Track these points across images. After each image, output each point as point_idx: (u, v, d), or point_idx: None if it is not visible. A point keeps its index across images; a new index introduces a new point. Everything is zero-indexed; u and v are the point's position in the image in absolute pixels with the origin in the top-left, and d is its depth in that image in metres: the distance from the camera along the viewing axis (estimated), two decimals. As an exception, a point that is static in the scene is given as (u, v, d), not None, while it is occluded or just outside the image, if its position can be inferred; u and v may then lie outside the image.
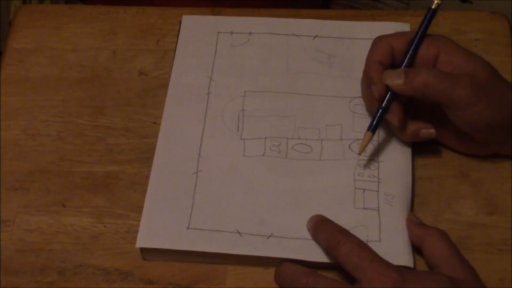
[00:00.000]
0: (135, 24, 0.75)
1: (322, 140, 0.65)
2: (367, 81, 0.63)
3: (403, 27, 0.71)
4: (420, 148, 0.64)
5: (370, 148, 0.64)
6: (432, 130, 0.62)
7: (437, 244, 0.56)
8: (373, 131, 0.62)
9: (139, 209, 0.62)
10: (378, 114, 0.62)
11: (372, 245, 0.56)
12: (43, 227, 0.62)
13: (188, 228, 0.60)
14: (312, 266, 0.57)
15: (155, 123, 0.68)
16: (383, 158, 0.63)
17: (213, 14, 0.75)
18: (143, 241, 0.59)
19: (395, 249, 0.58)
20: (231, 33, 0.72)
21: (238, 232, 0.60)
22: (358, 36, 0.71)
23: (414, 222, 0.59)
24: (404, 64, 0.62)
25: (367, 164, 0.63)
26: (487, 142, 0.62)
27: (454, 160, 0.64)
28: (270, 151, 0.64)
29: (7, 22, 1.30)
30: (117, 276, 0.60)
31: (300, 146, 0.64)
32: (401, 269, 0.53)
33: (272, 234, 0.59)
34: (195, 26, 0.73)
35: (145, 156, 0.66)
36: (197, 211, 0.61)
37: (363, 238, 0.58)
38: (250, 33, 0.72)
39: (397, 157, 0.63)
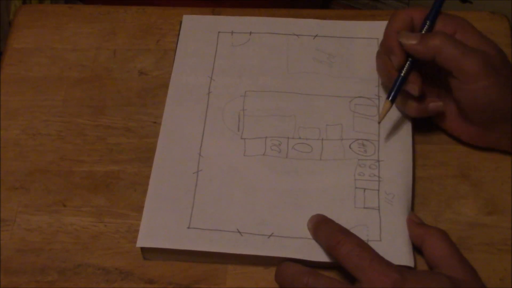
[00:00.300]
0: (135, 24, 0.75)
1: (322, 139, 0.65)
2: (386, 51, 0.63)
3: None
4: (420, 148, 0.65)
5: (370, 148, 0.64)
6: (440, 103, 0.63)
7: (437, 244, 0.56)
8: (392, 101, 0.62)
9: (139, 209, 0.62)
10: (398, 83, 0.62)
11: (372, 245, 0.56)
12: (43, 227, 0.62)
13: (188, 228, 0.60)
14: (312, 266, 0.57)
15: (155, 122, 0.68)
16: (383, 157, 0.63)
17: (213, 14, 0.75)
18: (143, 240, 0.59)
19: (395, 248, 0.58)
20: (232, 32, 0.72)
21: (239, 232, 0.60)
22: (358, 36, 0.71)
23: (415, 222, 0.59)
24: (426, 27, 0.63)
25: (368, 164, 0.63)
26: (487, 128, 0.62)
27: (454, 160, 0.64)
28: (270, 151, 0.64)
29: (7, 22, 1.30)
30: (117, 275, 0.60)
31: (301, 146, 0.64)
32: (402, 269, 0.53)
33: (272, 233, 0.59)
34: (195, 26, 0.73)
35: (145, 155, 0.66)
36: (197, 211, 0.61)
37: (363, 237, 0.58)
38: (250, 33, 0.72)
39: (398, 156, 0.63)
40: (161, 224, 0.60)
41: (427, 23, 0.62)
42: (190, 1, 0.84)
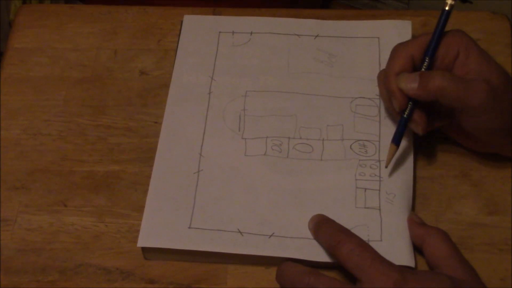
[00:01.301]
0: (136, 24, 0.75)
1: (323, 140, 0.65)
2: (387, 92, 0.62)
3: (404, 25, 0.71)
4: (421, 148, 0.65)
5: (371, 148, 0.64)
6: (446, 120, 0.62)
7: (437, 244, 0.56)
8: (397, 144, 0.61)
9: (140, 209, 0.62)
10: (401, 127, 0.61)
11: (373, 245, 0.56)
12: (44, 227, 0.62)
13: (189, 228, 0.60)
14: (313, 266, 0.57)
15: (156, 122, 0.68)
16: (384, 157, 0.63)
17: (214, 14, 0.75)
18: (144, 240, 0.59)
19: (396, 248, 0.58)
20: (232, 32, 0.72)
21: (239, 232, 0.60)
22: (359, 35, 0.71)
23: (415, 222, 0.59)
24: (425, 64, 0.61)
25: (369, 164, 0.63)
26: (491, 142, 0.62)
27: (455, 160, 0.64)
28: (271, 151, 0.64)
29: (7, 22, 1.30)
30: (118, 275, 0.60)
31: (302, 146, 0.64)
32: (402, 269, 0.53)
33: (273, 233, 0.59)
34: (196, 26, 0.73)
35: (146, 155, 0.66)
36: (198, 211, 0.61)
37: (364, 237, 0.58)
38: (251, 33, 0.72)
39: (399, 155, 0.63)
40: (162, 224, 0.60)
41: (426, 60, 0.61)
42: (191, 1, 0.84)
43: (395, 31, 0.70)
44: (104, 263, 0.60)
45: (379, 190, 0.61)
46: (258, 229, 0.60)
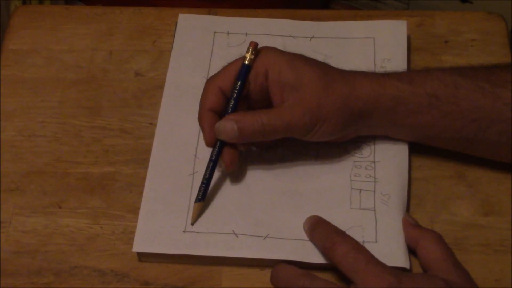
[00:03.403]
0: (131, 24, 0.75)
1: (318, 142, 0.64)
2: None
3: (399, 25, 0.71)
4: (417, 149, 0.64)
5: (366, 149, 0.64)
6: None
7: (431, 247, 0.56)
8: (203, 200, 0.61)
9: (135, 210, 0.62)
10: (210, 169, 0.60)
11: (368, 246, 0.56)
12: (39, 229, 0.62)
13: (184, 232, 0.60)
14: (308, 267, 0.57)
15: (151, 124, 0.68)
16: (379, 158, 0.63)
17: (209, 14, 0.74)
18: (139, 245, 0.59)
19: (391, 250, 0.58)
20: (228, 33, 0.72)
21: (234, 233, 0.59)
22: (354, 36, 0.71)
23: (409, 223, 0.59)
24: (230, 107, 0.60)
25: (364, 165, 0.63)
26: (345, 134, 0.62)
27: (450, 160, 0.64)
28: (266, 152, 0.64)
29: (7, 22, 1.29)
30: (113, 277, 0.60)
31: (297, 148, 0.64)
32: (397, 272, 0.53)
33: (268, 235, 0.59)
34: (191, 25, 0.73)
35: (141, 157, 0.66)
36: (193, 214, 0.61)
37: (359, 239, 0.57)
38: (246, 34, 0.72)
39: (394, 157, 0.63)
40: (157, 228, 0.60)
41: (232, 103, 0.60)
42: (186, 1, 0.83)
43: (390, 31, 0.70)
44: (99, 265, 0.60)
45: (374, 191, 0.61)
46: (253, 230, 0.60)
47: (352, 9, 1.54)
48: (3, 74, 0.72)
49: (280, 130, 0.59)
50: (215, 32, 0.72)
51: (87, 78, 0.71)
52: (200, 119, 0.61)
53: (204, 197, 0.61)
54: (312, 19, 0.73)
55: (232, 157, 0.61)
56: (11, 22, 0.76)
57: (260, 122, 0.58)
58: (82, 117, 0.69)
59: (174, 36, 0.72)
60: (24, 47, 0.74)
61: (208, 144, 0.61)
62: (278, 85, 0.59)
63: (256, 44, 0.60)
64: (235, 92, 0.60)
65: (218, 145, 0.60)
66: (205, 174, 0.61)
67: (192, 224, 0.60)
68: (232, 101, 0.60)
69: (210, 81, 0.62)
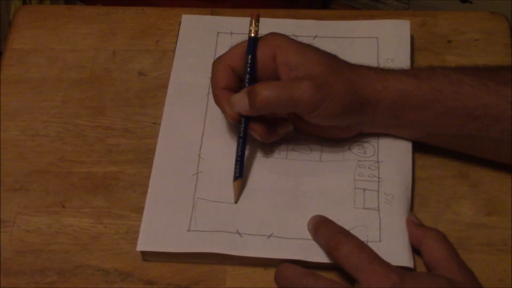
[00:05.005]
0: (134, 24, 0.75)
1: (321, 141, 0.65)
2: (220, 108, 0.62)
3: (402, 24, 0.71)
4: (420, 149, 0.64)
5: (370, 149, 0.64)
6: (290, 126, 0.63)
7: (435, 246, 0.56)
8: (240, 177, 0.61)
9: (138, 210, 0.62)
10: (240, 159, 0.61)
11: (372, 245, 0.56)
12: (42, 228, 0.62)
13: (188, 231, 0.60)
14: (312, 267, 0.57)
15: (154, 123, 0.68)
16: (383, 158, 0.63)
17: (212, 14, 0.74)
18: (144, 244, 0.59)
19: (395, 249, 0.58)
20: (231, 33, 0.72)
21: (238, 233, 0.60)
22: (357, 35, 0.71)
23: (413, 223, 0.59)
24: (246, 82, 0.61)
25: (367, 164, 0.63)
26: (348, 126, 0.62)
27: (453, 160, 0.64)
28: (270, 152, 0.64)
29: (7, 22, 1.30)
30: (116, 276, 0.60)
31: (300, 147, 0.64)
32: (401, 271, 0.53)
33: (272, 234, 0.59)
34: (194, 25, 0.73)
35: (145, 156, 0.66)
36: (197, 213, 0.61)
37: (363, 238, 0.57)
38: (249, 34, 0.71)
39: (398, 156, 0.63)
40: (161, 227, 0.60)
41: (247, 77, 0.61)
42: (189, 1, 0.83)
43: (394, 30, 0.70)
44: (103, 264, 0.60)
45: (378, 190, 0.61)
46: (257, 229, 0.60)
47: (352, 9, 1.54)
48: (6, 73, 0.72)
49: (285, 104, 0.59)
50: (218, 33, 0.72)
51: (90, 77, 0.72)
52: (217, 99, 0.62)
53: (241, 173, 0.61)
54: (314, 19, 0.73)
55: (263, 128, 0.61)
56: (13, 22, 0.76)
57: (266, 93, 0.59)
58: (85, 116, 0.69)
59: (177, 36, 0.72)
60: (26, 47, 0.74)
61: (233, 120, 0.61)
62: (286, 65, 0.60)
63: (258, 15, 0.61)
64: (247, 67, 0.61)
65: (243, 121, 0.61)
66: (237, 152, 0.61)
67: (236, 202, 0.61)
68: (247, 75, 0.61)
69: (218, 61, 0.62)
